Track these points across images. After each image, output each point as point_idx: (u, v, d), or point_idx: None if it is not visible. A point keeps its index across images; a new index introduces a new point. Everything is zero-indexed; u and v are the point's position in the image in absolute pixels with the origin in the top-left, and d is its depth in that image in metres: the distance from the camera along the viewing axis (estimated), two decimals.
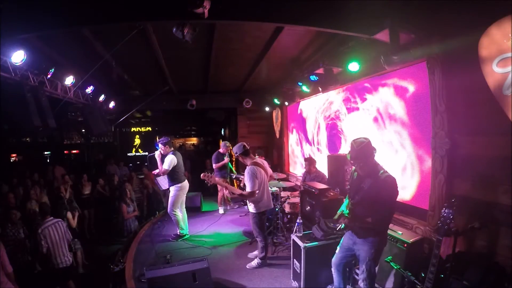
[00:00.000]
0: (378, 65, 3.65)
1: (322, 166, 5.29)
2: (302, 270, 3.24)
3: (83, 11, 2.93)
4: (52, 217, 4.07)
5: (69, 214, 4.96)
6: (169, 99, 8.68)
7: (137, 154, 15.41)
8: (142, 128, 16.02)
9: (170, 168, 4.87)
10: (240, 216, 6.43)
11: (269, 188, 4.26)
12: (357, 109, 4.89)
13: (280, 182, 5.17)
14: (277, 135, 9.12)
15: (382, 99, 4.23)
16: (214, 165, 6.42)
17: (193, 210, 6.57)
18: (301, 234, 3.49)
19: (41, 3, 2.87)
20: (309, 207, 4.29)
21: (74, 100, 6.18)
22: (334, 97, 5.65)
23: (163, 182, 5.56)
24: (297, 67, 5.74)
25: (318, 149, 6.52)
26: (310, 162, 5.22)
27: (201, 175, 3.83)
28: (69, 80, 5.17)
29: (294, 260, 3.45)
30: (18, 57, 3.75)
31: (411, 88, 3.69)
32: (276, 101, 7.80)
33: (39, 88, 4.57)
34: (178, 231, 5.16)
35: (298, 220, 3.65)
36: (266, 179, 4.00)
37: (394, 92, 3.99)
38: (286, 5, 3.13)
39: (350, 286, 3.07)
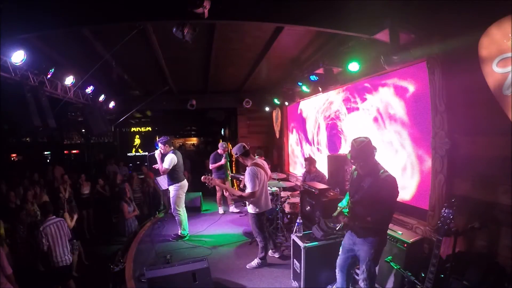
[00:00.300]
0: (378, 65, 3.65)
1: (322, 166, 5.29)
2: (302, 270, 3.24)
3: (83, 11, 2.93)
4: (54, 216, 4.09)
5: (66, 215, 4.96)
6: (169, 99, 8.68)
7: (137, 154, 15.40)
8: (142, 128, 16.02)
9: (171, 167, 4.87)
10: (240, 216, 6.44)
11: (269, 188, 4.26)
12: (357, 109, 4.89)
13: (280, 182, 5.17)
14: (277, 135, 9.12)
15: (382, 99, 4.23)
16: (210, 166, 6.43)
17: (193, 210, 6.58)
18: (301, 234, 3.49)
19: (41, 3, 2.87)
20: (309, 207, 4.29)
21: (74, 100, 6.18)
22: (334, 97, 5.65)
23: (162, 182, 5.56)
24: (297, 67, 5.74)
25: (318, 149, 6.52)
26: (310, 162, 5.22)
27: (202, 178, 3.85)
28: (69, 80, 5.17)
29: (294, 260, 3.45)
30: (18, 57, 3.74)
31: (411, 88, 3.68)
32: (276, 101, 7.80)
33: (39, 88, 4.57)
34: (179, 231, 5.16)
35: (298, 220, 3.65)
36: (266, 180, 4.01)
37: (394, 92, 3.99)
38: (286, 5, 3.13)
39: (351, 286, 3.07)
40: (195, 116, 14.21)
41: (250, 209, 3.91)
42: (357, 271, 2.80)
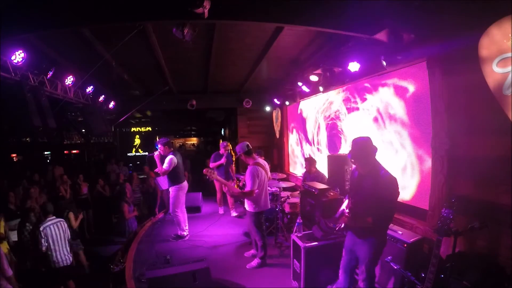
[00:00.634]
0: (378, 65, 3.65)
1: (322, 166, 5.29)
2: (302, 270, 3.23)
3: (83, 10, 2.93)
4: (54, 217, 4.09)
5: (71, 215, 4.98)
6: (169, 99, 8.68)
7: (137, 154, 15.43)
8: (142, 128, 16.04)
9: (171, 169, 4.87)
10: (239, 214, 6.43)
11: (269, 188, 4.25)
12: (357, 109, 4.89)
13: (280, 182, 5.17)
14: (277, 135, 9.12)
15: (382, 99, 4.23)
16: (211, 165, 6.43)
17: (193, 210, 6.58)
18: (301, 234, 3.49)
19: (41, 3, 2.87)
20: (309, 207, 4.29)
21: (74, 100, 6.18)
22: (334, 97, 5.65)
23: (163, 182, 5.56)
24: (297, 67, 5.74)
25: (318, 149, 6.52)
26: (310, 162, 5.21)
27: (204, 170, 3.90)
28: (69, 80, 5.17)
29: (294, 260, 3.45)
30: (18, 57, 3.75)
31: (411, 88, 3.68)
32: (276, 101, 7.80)
33: (39, 88, 4.57)
34: (178, 232, 5.16)
35: (298, 220, 3.65)
36: (266, 180, 4.04)
37: (394, 92, 3.99)
38: (286, 5, 3.13)
39: (351, 286, 3.06)
40: (195, 116, 14.22)
41: (250, 207, 3.93)
42: (357, 271, 2.80)
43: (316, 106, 6.47)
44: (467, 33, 2.57)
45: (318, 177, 4.99)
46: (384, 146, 4.16)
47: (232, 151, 6.85)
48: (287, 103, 7.62)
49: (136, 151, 15.65)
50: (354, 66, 4.01)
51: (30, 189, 5.54)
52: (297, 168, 7.89)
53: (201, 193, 7.20)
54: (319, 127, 6.43)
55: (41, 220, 4.11)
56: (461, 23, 2.72)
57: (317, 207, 4.01)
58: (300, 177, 6.35)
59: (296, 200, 5.05)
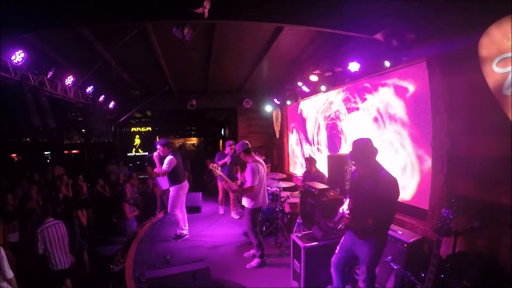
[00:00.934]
0: (378, 65, 3.65)
1: (322, 166, 5.29)
2: (302, 270, 3.23)
3: (83, 10, 2.93)
4: (52, 219, 4.06)
5: (79, 213, 5.01)
6: (169, 99, 8.69)
7: (137, 154, 15.43)
8: (142, 128, 16.04)
9: (170, 169, 4.87)
10: (240, 216, 6.43)
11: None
12: (357, 109, 4.89)
13: (280, 182, 5.17)
14: (277, 135, 9.12)
15: (382, 99, 4.23)
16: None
17: (193, 210, 6.57)
18: (301, 234, 3.49)
19: (41, 3, 2.87)
20: (309, 207, 4.29)
21: (74, 100, 6.18)
22: (334, 97, 5.65)
23: (163, 182, 5.56)
24: (297, 67, 5.74)
25: (318, 149, 6.52)
26: (310, 162, 5.21)
27: (209, 165, 4.00)
28: (69, 80, 5.17)
29: (294, 260, 3.45)
30: (18, 57, 3.75)
31: (411, 88, 3.68)
32: (276, 101, 7.80)
33: (39, 88, 4.57)
34: (178, 231, 5.16)
35: (298, 220, 3.65)
36: (265, 177, 4.11)
37: (394, 92, 3.99)
38: (286, 5, 3.13)
39: (350, 286, 3.07)
40: (195, 116, 14.22)
41: (247, 203, 3.97)
42: (357, 271, 2.80)
43: (316, 106, 6.47)
44: (467, 33, 2.58)
45: (318, 177, 4.99)
46: (384, 146, 4.16)
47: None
48: (287, 103, 7.62)
49: (136, 151, 15.66)
50: (354, 66, 4.01)
51: (30, 191, 5.53)
52: (297, 168, 7.89)
53: (201, 193, 7.20)
54: (319, 127, 6.43)
55: (40, 222, 4.10)
56: (461, 23, 2.72)
57: (317, 207, 4.01)
58: (300, 177, 6.35)
59: (296, 200, 5.04)
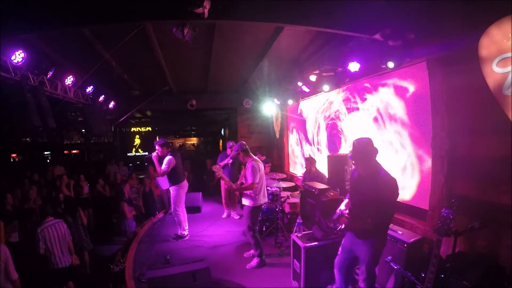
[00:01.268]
0: (378, 65, 3.65)
1: (322, 166, 5.29)
2: (302, 270, 3.23)
3: (83, 10, 2.93)
4: (52, 218, 4.06)
5: (81, 213, 5.02)
6: (169, 99, 8.68)
7: (137, 154, 15.42)
8: (142, 128, 16.02)
9: (169, 169, 4.86)
10: (240, 216, 6.42)
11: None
12: (357, 109, 4.89)
13: (280, 182, 5.17)
14: (277, 135, 9.11)
15: (382, 99, 4.23)
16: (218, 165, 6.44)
17: (193, 210, 6.57)
18: (301, 234, 3.49)
19: (41, 3, 2.87)
20: (309, 207, 4.29)
21: (74, 100, 6.18)
22: (334, 97, 5.65)
23: (163, 182, 5.56)
24: (297, 67, 5.74)
25: (318, 149, 6.52)
26: (310, 161, 5.22)
27: (212, 166, 4.12)
28: (69, 80, 5.17)
29: (294, 260, 3.45)
30: (18, 57, 3.75)
31: (411, 88, 3.68)
32: (276, 101, 7.79)
33: (39, 88, 4.57)
34: (179, 231, 5.16)
35: (298, 220, 3.65)
36: (264, 175, 4.14)
37: (394, 92, 3.99)
38: (286, 5, 3.13)
39: (350, 286, 3.06)
40: (195, 116, 14.21)
41: (247, 202, 3.99)
42: (357, 271, 2.80)
43: (316, 106, 6.46)
44: (467, 33, 2.58)
45: (318, 177, 5.00)
46: (384, 146, 4.16)
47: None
48: (287, 103, 7.61)
49: (136, 151, 15.64)
50: (354, 66, 4.01)
51: (29, 191, 5.53)
52: (297, 168, 7.88)
53: (201, 193, 7.20)
54: (319, 127, 6.43)
55: (40, 221, 4.10)
56: (461, 23, 2.72)
57: (317, 207, 4.02)
58: (300, 177, 6.35)
59: (296, 200, 5.05)
